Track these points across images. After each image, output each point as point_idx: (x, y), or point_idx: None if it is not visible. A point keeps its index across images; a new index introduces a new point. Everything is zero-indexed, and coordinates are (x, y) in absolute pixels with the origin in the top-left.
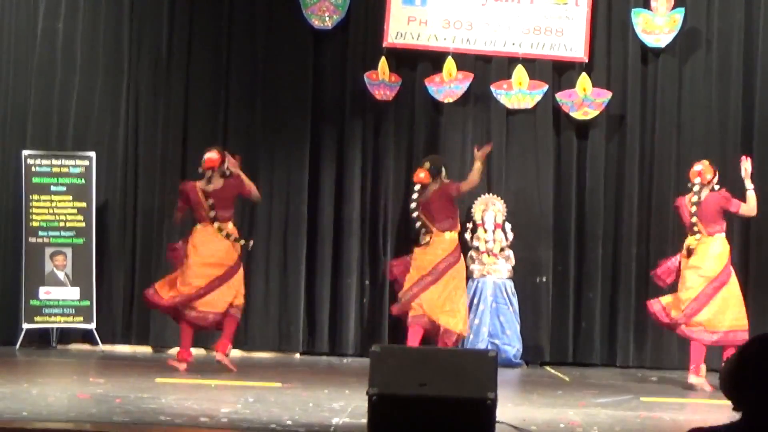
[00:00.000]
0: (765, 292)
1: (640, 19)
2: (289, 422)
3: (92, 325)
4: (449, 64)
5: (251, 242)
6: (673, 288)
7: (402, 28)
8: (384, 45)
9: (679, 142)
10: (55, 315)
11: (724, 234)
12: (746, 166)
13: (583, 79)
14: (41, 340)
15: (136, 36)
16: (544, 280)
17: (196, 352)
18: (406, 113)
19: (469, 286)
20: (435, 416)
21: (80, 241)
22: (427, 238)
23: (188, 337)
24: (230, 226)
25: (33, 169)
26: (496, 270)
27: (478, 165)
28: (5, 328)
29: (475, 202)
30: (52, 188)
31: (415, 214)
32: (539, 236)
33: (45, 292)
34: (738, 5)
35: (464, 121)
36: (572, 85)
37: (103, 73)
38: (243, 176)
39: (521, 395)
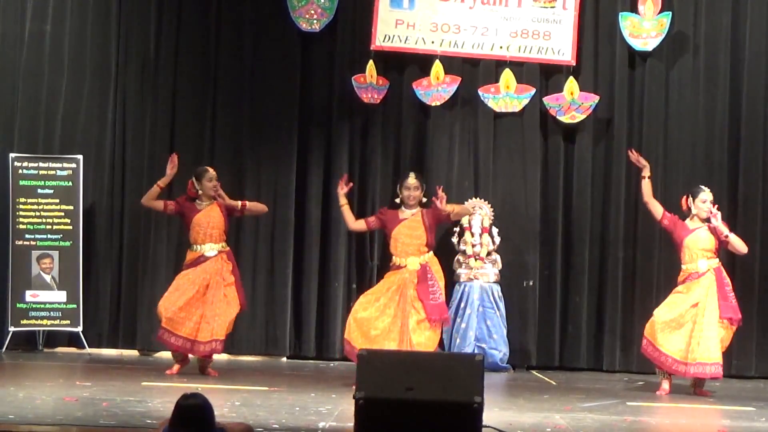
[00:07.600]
0: (750, 297)
1: (627, 23)
2: (275, 426)
3: (79, 329)
4: (437, 67)
5: None
6: None
7: (390, 31)
8: (372, 48)
9: (666, 146)
10: (42, 318)
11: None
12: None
13: (571, 83)
14: (28, 343)
15: (124, 39)
16: (531, 284)
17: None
18: (394, 116)
19: (455, 290)
20: (422, 420)
21: (67, 244)
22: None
23: None
24: None
25: (20, 171)
26: (483, 274)
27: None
28: None
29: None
30: (39, 191)
31: None
32: (526, 240)
33: (32, 295)
34: (725, 9)
35: (452, 124)
36: (560, 89)
37: (91, 75)
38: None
39: (508, 399)
